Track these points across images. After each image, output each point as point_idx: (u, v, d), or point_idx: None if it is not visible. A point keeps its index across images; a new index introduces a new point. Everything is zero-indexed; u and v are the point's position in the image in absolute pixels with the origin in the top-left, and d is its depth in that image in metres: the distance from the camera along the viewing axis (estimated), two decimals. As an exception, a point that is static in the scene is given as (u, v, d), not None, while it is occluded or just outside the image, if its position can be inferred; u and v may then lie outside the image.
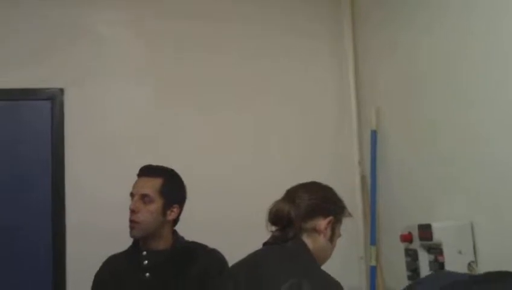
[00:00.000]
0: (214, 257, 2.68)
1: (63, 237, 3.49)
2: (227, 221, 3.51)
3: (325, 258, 2.17)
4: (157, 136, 3.66)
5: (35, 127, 3.59)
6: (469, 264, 2.51)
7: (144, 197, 2.63)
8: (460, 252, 2.54)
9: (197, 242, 2.74)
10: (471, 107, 2.58)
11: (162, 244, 2.65)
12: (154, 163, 2.75)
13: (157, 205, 2.63)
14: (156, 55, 3.75)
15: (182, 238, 2.73)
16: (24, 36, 3.62)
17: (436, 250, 2.60)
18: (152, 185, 2.65)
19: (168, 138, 3.66)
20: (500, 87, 2.38)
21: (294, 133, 3.81)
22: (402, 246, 2.84)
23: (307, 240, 2.11)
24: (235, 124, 3.76)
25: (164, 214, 2.64)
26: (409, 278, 2.76)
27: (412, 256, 2.76)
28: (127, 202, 2.65)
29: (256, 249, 2.15)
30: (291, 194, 2.17)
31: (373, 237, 3.50)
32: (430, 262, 2.64)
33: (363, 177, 3.72)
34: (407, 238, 2.77)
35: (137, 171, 2.74)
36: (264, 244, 2.17)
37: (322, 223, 2.13)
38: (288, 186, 2.22)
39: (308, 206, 2.13)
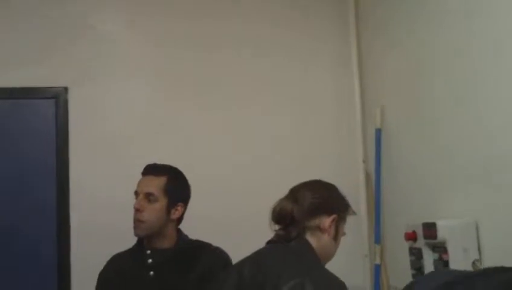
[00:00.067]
0: (218, 255, 2.68)
1: (68, 236, 3.50)
2: (229, 221, 3.51)
3: (329, 256, 2.16)
4: (161, 135, 3.66)
5: (39, 126, 3.60)
6: (473, 262, 2.51)
7: (148, 196, 2.63)
8: (465, 251, 2.53)
9: (201, 241, 2.74)
10: (476, 105, 2.57)
11: (167, 242, 2.65)
12: (159, 162, 2.75)
13: (161, 203, 2.63)
14: (160, 54, 3.75)
15: (186, 236, 2.73)
16: (28, 35, 3.62)
17: (440, 248, 2.59)
18: (156, 184, 2.65)
19: (172, 137, 3.66)
20: (505, 84, 2.37)
21: (299, 132, 3.81)
22: (406, 244, 2.83)
23: (310, 238, 2.10)
24: (237, 123, 3.76)
25: (168, 212, 2.64)
26: (414, 276, 2.76)
27: (416, 254, 2.75)
28: (132, 201, 2.65)
29: (257, 248, 2.15)
30: (295, 193, 2.17)
31: (377, 235, 3.49)
32: (434, 260, 2.64)
33: (367, 176, 3.72)
34: (411, 236, 2.77)
35: (141, 170, 2.74)
36: (268, 243, 2.17)
37: (326, 221, 2.12)
38: (293, 185, 2.22)
39: (312, 204, 2.13)
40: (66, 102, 3.61)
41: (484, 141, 2.52)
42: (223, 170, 3.65)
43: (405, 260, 2.86)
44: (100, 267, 2.72)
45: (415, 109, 3.16)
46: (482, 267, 2.51)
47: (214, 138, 3.72)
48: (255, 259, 2.09)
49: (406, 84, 3.26)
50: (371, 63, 3.74)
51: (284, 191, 2.21)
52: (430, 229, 2.63)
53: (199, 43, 3.78)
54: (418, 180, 3.11)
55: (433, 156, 2.95)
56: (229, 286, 2.05)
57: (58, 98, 3.61)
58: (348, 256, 3.29)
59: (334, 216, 2.14)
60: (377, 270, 3.49)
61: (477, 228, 2.56)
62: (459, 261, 2.48)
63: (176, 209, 2.66)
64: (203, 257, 2.65)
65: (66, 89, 3.62)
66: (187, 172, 2.74)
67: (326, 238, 2.12)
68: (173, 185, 2.66)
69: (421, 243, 2.71)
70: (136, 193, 2.66)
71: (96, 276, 2.70)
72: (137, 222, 2.61)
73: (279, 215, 2.15)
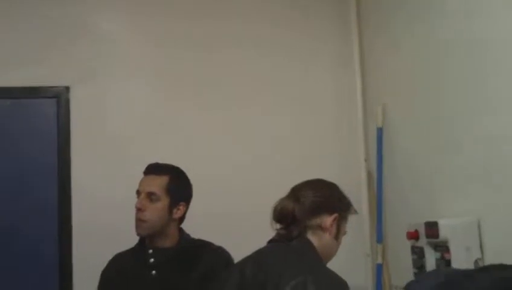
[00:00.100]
0: (220, 254, 2.68)
1: (69, 236, 3.50)
2: (229, 220, 3.50)
3: (330, 255, 2.16)
4: (162, 134, 3.66)
5: (41, 125, 3.60)
6: (476, 261, 2.50)
7: (150, 195, 2.62)
8: (467, 249, 2.53)
9: (203, 240, 2.73)
10: (478, 103, 2.57)
11: (168, 242, 2.65)
12: (160, 161, 2.75)
13: (163, 203, 2.62)
14: (161, 54, 3.75)
15: (188, 235, 2.72)
16: (29, 34, 3.62)
17: (442, 247, 2.59)
18: (158, 183, 2.64)
19: (173, 137, 3.66)
20: (506, 83, 2.37)
21: (300, 131, 3.81)
22: (408, 243, 2.83)
23: (311, 237, 2.10)
24: (237, 123, 3.76)
25: (170, 212, 2.64)
26: (415, 275, 2.76)
27: (418, 253, 2.75)
28: (133, 200, 2.65)
29: (257, 249, 2.15)
30: (296, 192, 2.17)
31: (379, 235, 3.49)
32: (436, 259, 2.64)
33: (369, 175, 3.72)
34: (413, 235, 2.77)
35: (143, 170, 2.74)
36: (269, 242, 2.16)
37: (327, 220, 2.12)
38: (294, 185, 2.22)
39: (313, 203, 2.13)
40: (67, 101, 3.61)
41: (486, 140, 2.52)
42: (223, 169, 3.65)
43: (407, 259, 2.85)
44: (102, 266, 2.72)
45: (416, 107, 3.16)
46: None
47: (214, 138, 3.72)
48: (257, 258, 2.09)
49: (408, 83, 3.26)
50: (373, 62, 3.74)
51: (285, 191, 2.21)
52: (432, 228, 2.63)
53: (199, 43, 3.77)
54: (420, 179, 3.10)
55: (434, 155, 2.95)
56: (231, 285, 2.05)
57: (59, 97, 3.61)
58: (349, 255, 3.30)
59: (335, 215, 2.14)
60: (379, 270, 3.49)
61: (479, 227, 2.55)
62: (461, 260, 2.48)
63: (178, 209, 2.66)
64: (205, 256, 2.65)
65: (67, 88, 3.62)
66: (188, 172, 2.74)
67: (327, 237, 2.12)
68: (175, 185, 2.66)
69: (423, 242, 2.71)
70: (138, 192, 2.66)
71: (98, 275, 2.70)
72: (139, 221, 2.61)
73: (281, 215, 2.14)
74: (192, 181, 2.74)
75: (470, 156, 2.64)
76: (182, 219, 2.71)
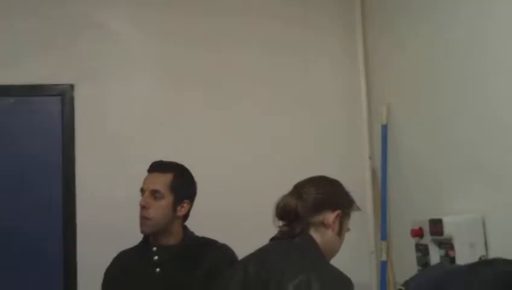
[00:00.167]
0: (224, 252, 2.68)
1: (74, 234, 3.49)
2: (231, 220, 3.48)
3: (333, 252, 2.16)
4: (168, 131, 3.66)
5: (45, 123, 3.60)
6: (480, 258, 2.50)
7: (154, 193, 2.63)
8: (471, 247, 2.53)
9: (207, 238, 2.74)
10: (482, 102, 2.57)
11: (173, 239, 2.65)
12: (165, 159, 2.75)
13: (167, 200, 2.63)
14: (166, 52, 3.75)
15: (192, 233, 2.73)
16: (34, 32, 3.62)
17: (447, 245, 2.59)
18: (162, 181, 2.65)
19: (179, 134, 3.66)
20: (510, 81, 2.37)
21: (305, 129, 3.80)
22: (413, 240, 2.83)
23: (314, 234, 2.10)
24: (241, 122, 3.75)
25: (174, 209, 2.64)
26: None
27: (422, 251, 2.75)
28: (137, 198, 2.66)
29: (257, 248, 2.15)
30: (299, 189, 2.17)
31: (384, 232, 3.49)
32: (441, 257, 2.64)
33: (373, 172, 3.71)
34: (418, 233, 2.77)
35: (147, 168, 2.74)
36: (272, 239, 2.16)
37: (330, 217, 2.12)
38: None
39: (316, 200, 2.13)
40: (72, 99, 3.60)
41: (491, 137, 2.51)
42: (224, 169, 3.63)
43: (411, 256, 2.85)
44: (106, 264, 2.73)
45: (421, 106, 3.15)
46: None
47: (217, 137, 3.70)
48: (260, 256, 2.09)
49: (412, 83, 3.26)
50: (377, 62, 3.73)
51: (289, 190, 2.21)
52: (436, 225, 2.62)
53: (207, 39, 3.76)
54: (424, 176, 3.10)
55: (439, 153, 2.94)
56: (235, 283, 2.05)
57: (64, 95, 3.60)
58: (354, 253, 3.30)
59: (338, 212, 2.14)
60: (383, 267, 3.49)
61: (483, 224, 2.55)
62: (466, 257, 2.47)
63: (182, 206, 2.66)
64: (209, 253, 2.65)
65: (72, 86, 3.62)
66: (192, 170, 2.75)
67: (330, 234, 2.12)
68: (179, 182, 2.66)
69: (427, 239, 2.71)
70: (142, 190, 2.66)
71: (102, 273, 2.71)
72: (143, 219, 2.62)
73: (283, 211, 2.15)
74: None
75: (473, 153, 2.64)
76: (186, 217, 2.71)
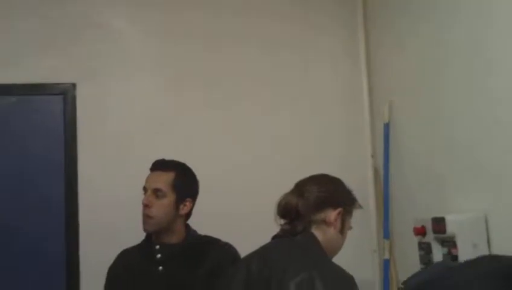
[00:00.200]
0: (227, 251, 2.68)
1: (76, 233, 3.48)
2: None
3: (335, 250, 2.16)
4: (171, 130, 3.65)
5: (47, 122, 3.60)
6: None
7: (156, 192, 2.63)
8: (474, 245, 2.52)
9: (209, 236, 2.74)
10: (484, 100, 2.57)
11: (175, 238, 2.65)
12: (168, 158, 2.75)
13: (169, 199, 2.63)
14: (169, 50, 3.74)
15: (195, 232, 2.73)
16: (36, 31, 3.62)
17: (449, 243, 2.59)
18: (165, 180, 2.65)
19: (182, 132, 3.65)
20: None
21: (307, 128, 3.80)
22: (415, 239, 2.83)
23: (316, 232, 2.10)
24: (243, 121, 3.75)
25: (177, 208, 2.64)
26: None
27: (425, 249, 2.74)
28: (140, 197, 2.66)
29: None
30: (301, 187, 2.17)
31: (386, 230, 3.49)
32: (443, 255, 2.63)
33: (375, 171, 3.71)
34: (420, 231, 2.76)
35: (150, 166, 2.74)
36: (274, 237, 2.16)
37: (332, 214, 2.12)
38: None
39: (317, 198, 2.13)
40: (74, 98, 3.60)
41: (493, 136, 2.51)
42: (225, 169, 3.63)
43: (414, 254, 2.85)
44: (109, 263, 2.73)
45: (423, 104, 3.15)
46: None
47: (220, 136, 3.70)
48: (262, 254, 2.09)
49: (414, 80, 3.26)
50: (379, 60, 3.73)
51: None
52: (439, 223, 2.62)
53: (210, 38, 3.76)
54: (427, 174, 3.10)
55: (441, 151, 2.94)
56: (238, 281, 2.05)
57: (66, 94, 3.60)
58: (356, 251, 3.31)
59: (339, 209, 2.14)
60: (386, 265, 3.48)
61: (486, 222, 2.55)
62: (468, 255, 2.45)
63: (185, 205, 2.67)
64: (211, 252, 2.65)
65: (74, 85, 3.62)
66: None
67: (332, 231, 2.12)
68: (181, 181, 2.66)
69: (430, 237, 2.71)
70: (145, 189, 2.67)
71: (105, 272, 2.71)
72: (145, 217, 2.62)
73: (285, 210, 2.15)
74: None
75: (476, 152, 2.64)
76: (188, 215, 2.71)
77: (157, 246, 2.63)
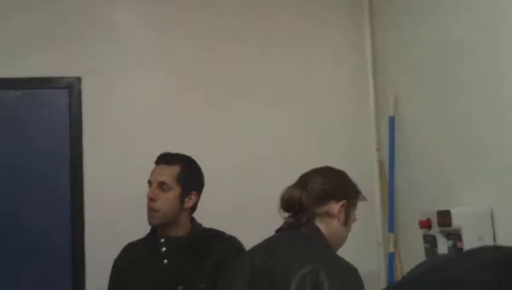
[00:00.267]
0: (232, 244, 2.69)
1: (82, 227, 3.48)
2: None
3: (339, 242, 2.16)
4: (176, 124, 3.65)
5: (53, 116, 3.59)
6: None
7: (161, 185, 2.63)
8: (479, 238, 2.51)
9: (215, 229, 2.74)
10: (490, 93, 2.56)
11: (180, 231, 2.65)
12: (174, 151, 2.75)
13: (174, 192, 2.63)
14: (173, 44, 3.73)
15: (200, 225, 2.73)
16: (41, 24, 3.61)
17: (455, 236, 2.58)
18: (169, 173, 2.65)
19: (187, 126, 3.65)
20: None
21: (311, 121, 3.78)
22: (421, 232, 2.83)
23: (320, 224, 2.10)
24: (253, 112, 3.74)
25: (182, 201, 2.64)
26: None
27: (430, 242, 2.74)
28: (145, 190, 2.66)
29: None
30: (304, 180, 2.17)
31: (391, 224, 3.49)
32: (449, 248, 2.63)
33: (381, 164, 3.71)
34: (425, 224, 2.76)
35: (155, 160, 2.74)
36: (277, 230, 2.17)
37: (335, 207, 2.12)
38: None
39: (321, 190, 2.13)
40: (79, 92, 3.60)
41: (500, 129, 2.50)
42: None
43: (419, 248, 2.85)
44: (114, 257, 2.74)
45: (428, 97, 3.14)
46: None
47: (232, 129, 3.69)
48: (266, 247, 2.10)
49: (420, 73, 3.25)
50: (385, 53, 3.72)
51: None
52: (444, 217, 2.62)
53: (214, 33, 3.75)
54: (432, 167, 3.09)
55: (447, 144, 2.93)
56: (243, 273, 2.05)
57: (71, 88, 3.60)
58: (361, 244, 3.30)
59: (343, 202, 2.14)
60: (391, 259, 3.48)
61: (492, 216, 2.54)
62: (474, 248, 2.46)
63: (190, 198, 2.67)
64: (217, 245, 2.66)
65: (79, 79, 3.61)
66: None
67: (336, 224, 2.12)
68: (186, 174, 2.67)
69: (435, 230, 2.70)
70: (150, 182, 2.67)
71: (110, 265, 2.72)
72: (150, 211, 2.62)
73: (288, 203, 2.15)
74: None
75: (482, 145, 2.63)
76: (193, 209, 2.72)
77: (163, 240, 2.64)
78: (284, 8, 3.84)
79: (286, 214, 2.16)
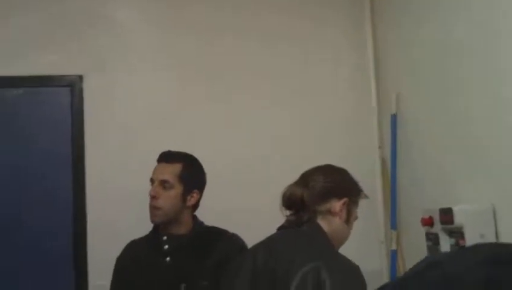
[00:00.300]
0: (234, 242, 2.69)
1: (84, 225, 3.47)
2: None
3: (342, 240, 2.16)
4: (178, 122, 3.64)
5: (55, 114, 3.59)
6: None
7: (163, 183, 2.64)
8: (482, 236, 2.51)
9: (217, 227, 2.75)
10: (492, 90, 2.55)
11: (183, 229, 2.66)
12: (176, 150, 2.75)
13: (177, 190, 2.64)
14: (175, 39, 3.73)
15: (202, 223, 2.73)
16: (43, 22, 3.61)
17: (457, 234, 2.58)
18: (172, 171, 2.66)
19: (189, 125, 3.64)
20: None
21: (313, 119, 3.78)
22: (423, 230, 2.82)
23: (321, 222, 2.10)
24: (250, 111, 3.73)
25: (184, 199, 2.65)
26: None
27: (433, 240, 2.74)
28: (148, 188, 2.66)
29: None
30: (306, 178, 2.17)
31: (393, 221, 3.48)
32: (451, 246, 2.63)
33: (383, 162, 3.70)
34: (428, 222, 2.76)
35: (157, 158, 2.74)
36: (279, 228, 2.17)
37: (337, 204, 2.12)
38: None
39: (323, 188, 2.13)
40: (81, 90, 3.60)
41: (502, 126, 2.50)
42: (240, 159, 3.63)
43: (421, 245, 2.84)
44: (116, 256, 2.74)
45: (430, 95, 3.14)
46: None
47: (235, 127, 3.68)
48: (268, 244, 2.10)
49: (422, 71, 3.24)
50: (387, 51, 3.71)
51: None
52: (446, 214, 2.61)
53: (217, 30, 3.74)
54: (434, 165, 3.09)
55: (449, 142, 2.93)
56: (245, 271, 2.06)
57: (73, 86, 3.60)
58: (364, 242, 3.30)
59: (345, 199, 2.14)
60: (394, 256, 3.48)
61: (494, 213, 2.54)
62: (476, 246, 2.46)
63: (192, 196, 2.67)
64: (219, 243, 2.66)
65: (81, 77, 3.61)
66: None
67: (337, 221, 2.12)
68: (188, 172, 2.67)
69: (437, 228, 2.70)
70: (152, 180, 2.67)
71: (113, 265, 2.72)
72: (153, 209, 2.63)
73: (289, 201, 2.15)
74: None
75: (484, 142, 2.62)
76: (195, 207, 2.72)
77: (165, 237, 2.64)
78: (284, 8, 3.83)
79: (288, 212, 2.16)
